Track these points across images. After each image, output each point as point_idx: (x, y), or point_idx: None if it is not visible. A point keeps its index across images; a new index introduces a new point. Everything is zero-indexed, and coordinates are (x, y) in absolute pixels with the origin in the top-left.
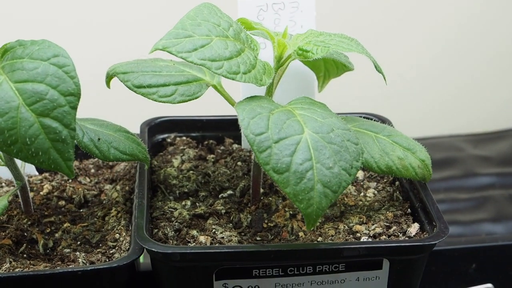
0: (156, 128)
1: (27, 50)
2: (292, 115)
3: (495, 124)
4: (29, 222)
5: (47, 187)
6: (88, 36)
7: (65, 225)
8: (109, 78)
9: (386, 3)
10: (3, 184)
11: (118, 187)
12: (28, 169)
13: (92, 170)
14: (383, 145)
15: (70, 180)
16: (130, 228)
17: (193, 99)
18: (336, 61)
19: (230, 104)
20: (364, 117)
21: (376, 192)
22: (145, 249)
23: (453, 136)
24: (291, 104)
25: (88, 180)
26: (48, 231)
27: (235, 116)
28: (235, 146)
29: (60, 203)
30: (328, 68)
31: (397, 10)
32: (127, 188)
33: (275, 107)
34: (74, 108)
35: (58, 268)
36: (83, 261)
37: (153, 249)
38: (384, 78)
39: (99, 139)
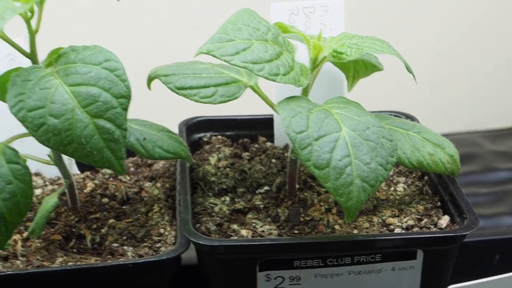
0: (193, 127)
1: (79, 55)
2: (330, 114)
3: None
4: (76, 219)
5: (90, 185)
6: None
7: (110, 221)
8: (150, 80)
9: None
10: (47, 182)
11: (158, 185)
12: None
13: (132, 169)
14: (414, 142)
15: (111, 178)
16: (174, 223)
17: (232, 100)
18: (366, 62)
19: (267, 104)
20: (394, 115)
21: (405, 186)
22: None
23: (471, 133)
24: (327, 103)
25: (128, 178)
26: (94, 227)
27: (268, 115)
28: (268, 144)
29: (103, 200)
30: (357, 68)
31: (412, 8)
32: (167, 185)
33: (313, 107)
34: (125, 109)
35: (109, 261)
36: (132, 254)
37: (200, 242)
38: (414, 78)
39: (144, 138)
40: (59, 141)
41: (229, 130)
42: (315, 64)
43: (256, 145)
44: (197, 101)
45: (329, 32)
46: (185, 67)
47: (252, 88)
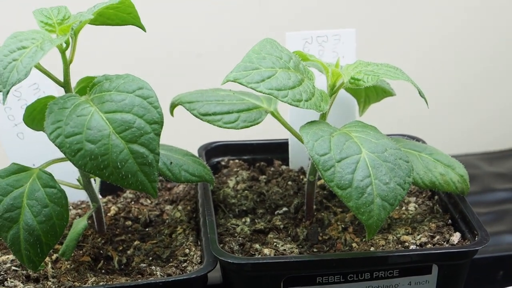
0: (212, 151)
1: (113, 83)
2: (350, 137)
3: (508, 143)
4: (102, 241)
5: (113, 208)
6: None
7: (135, 242)
8: (173, 107)
9: (408, 23)
10: (71, 207)
11: (179, 207)
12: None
13: None
14: (426, 163)
15: (132, 202)
16: (198, 243)
17: (254, 125)
18: (377, 88)
19: (287, 129)
20: (406, 138)
21: (416, 205)
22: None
23: (469, 155)
24: (345, 127)
25: (149, 201)
26: (120, 248)
27: (282, 139)
28: (284, 167)
29: (127, 223)
30: (368, 94)
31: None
32: (188, 208)
33: (333, 130)
34: (158, 135)
35: (139, 280)
36: (161, 274)
37: (229, 260)
38: (426, 103)
39: (171, 162)
40: (95, 165)
41: (246, 154)
42: (333, 90)
43: (272, 168)
44: (220, 127)
45: (341, 61)
46: (207, 94)
47: (272, 113)
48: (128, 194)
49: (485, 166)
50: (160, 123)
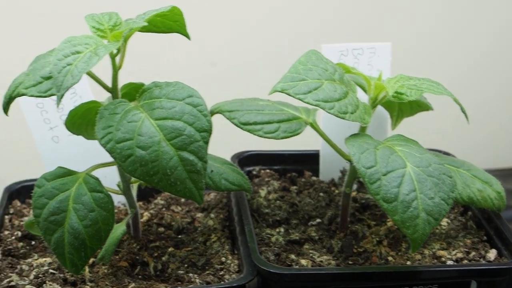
0: (244, 160)
1: (163, 91)
2: (394, 151)
3: None
4: (138, 247)
5: (146, 214)
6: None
7: (169, 249)
8: (211, 115)
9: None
10: None
11: (212, 215)
12: (120, 198)
13: (182, 200)
14: (464, 179)
15: (163, 209)
16: (235, 252)
17: (294, 136)
18: (412, 102)
19: (325, 141)
20: (444, 153)
21: (449, 221)
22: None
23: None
24: (388, 141)
25: (179, 208)
26: (155, 254)
27: (313, 150)
28: (314, 178)
29: (159, 229)
30: (402, 108)
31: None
32: (221, 216)
33: (377, 143)
34: (207, 143)
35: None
36: (200, 281)
37: (271, 270)
38: (467, 118)
39: (212, 170)
40: (145, 171)
41: (277, 164)
42: (375, 104)
43: (303, 179)
44: (260, 136)
45: (375, 73)
46: (246, 103)
47: (311, 125)
48: (159, 200)
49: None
50: (209, 131)
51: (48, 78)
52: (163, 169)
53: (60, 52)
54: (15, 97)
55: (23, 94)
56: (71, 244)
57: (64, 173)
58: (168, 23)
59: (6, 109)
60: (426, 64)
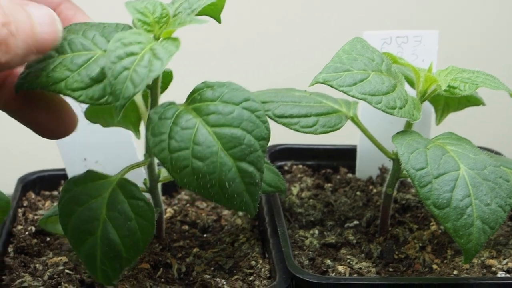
0: (276, 154)
1: (216, 92)
2: (446, 151)
3: None
4: (160, 247)
5: (169, 211)
6: None
7: (194, 250)
8: None
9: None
10: None
11: (240, 213)
12: None
13: None
14: None
15: (188, 205)
16: (266, 255)
17: (333, 131)
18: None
19: (367, 136)
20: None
21: None
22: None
23: None
24: (438, 139)
25: (205, 205)
26: (179, 256)
27: (349, 145)
28: (350, 175)
29: (183, 227)
30: (448, 102)
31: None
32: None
33: (427, 142)
34: (265, 152)
35: None
36: (228, 287)
37: (307, 279)
38: None
39: None
40: (202, 184)
41: (310, 160)
42: (424, 98)
43: (338, 176)
44: (297, 131)
45: (421, 64)
46: (281, 94)
47: (352, 119)
48: (183, 195)
49: None
50: (267, 139)
51: (98, 81)
52: (221, 182)
53: (113, 54)
54: (46, 89)
55: (67, 95)
56: (104, 255)
57: (95, 177)
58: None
59: (18, 90)
60: (474, 56)
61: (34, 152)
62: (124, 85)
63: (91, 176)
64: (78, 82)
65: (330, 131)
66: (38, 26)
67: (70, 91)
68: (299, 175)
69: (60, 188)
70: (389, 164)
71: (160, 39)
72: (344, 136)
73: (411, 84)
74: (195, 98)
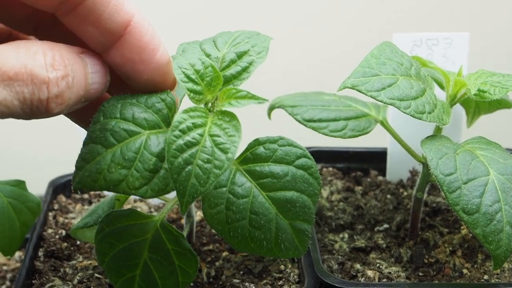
0: None
1: (268, 150)
2: (475, 156)
3: None
4: None
5: (199, 214)
6: None
7: (223, 254)
8: (272, 109)
9: None
10: (152, 209)
11: None
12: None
13: None
14: None
15: None
16: (295, 259)
17: (362, 135)
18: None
19: (396, 140)
20: None
21: None
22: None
23: None
24: (467, 143)
25: None
26: (209, 259)
27: (379, 148)
28: (380, 178)
29: (213, 231)
30: (479, 104)
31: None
32: None
33: (457, 147)
34: (315, 203)
35: None
36: None
37: (336, 285)
38: None
39: None
40: (256, 247)
41: (340, 162)
42: (453, 102)
43: (369, 179)
44: (326, 135)
45: (451, 66)
46: (311, 97)
47: (382, 123)
48: None
49: None
50: (318, 192)
51: (157, 171)
52: (276, 243)
53: (172, 146)
54: (107, 190)
55: (132, 194)
56: None
57: (138, 216)
58: None
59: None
60: (507, 58)
61: (65, 156)
62: (189, 183)
63: (134, 215)
64: (139, 180)
65: (359, 135)
66: (90, 77)
67: (135, 190)
68: (329, 178)
69: (91, 192)
70: (419, 167)
71: (217, 113)
72: (374, 139)
73: (442, 86)
74: (247, 157)
